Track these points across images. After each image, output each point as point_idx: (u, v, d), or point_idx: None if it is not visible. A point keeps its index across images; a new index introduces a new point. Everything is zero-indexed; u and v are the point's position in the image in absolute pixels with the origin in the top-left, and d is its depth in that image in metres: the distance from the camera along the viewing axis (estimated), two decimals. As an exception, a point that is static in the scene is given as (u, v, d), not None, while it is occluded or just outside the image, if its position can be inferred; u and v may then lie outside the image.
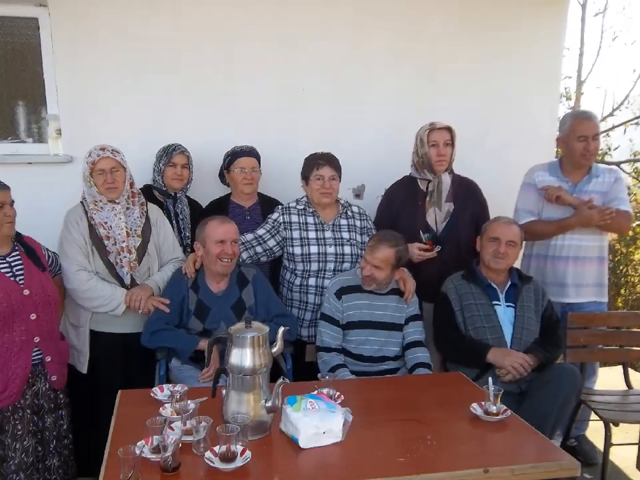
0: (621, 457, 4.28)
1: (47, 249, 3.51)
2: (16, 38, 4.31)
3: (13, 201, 3.14)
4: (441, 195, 4.11)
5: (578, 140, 4.10)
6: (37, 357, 3.18)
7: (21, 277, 3.14)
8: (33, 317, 3.12)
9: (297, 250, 3.99)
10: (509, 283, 3.82)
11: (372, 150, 4.89)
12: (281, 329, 2.64)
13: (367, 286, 3.68)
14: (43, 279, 3.23)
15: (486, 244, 3.80)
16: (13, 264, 3.15)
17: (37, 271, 3.22)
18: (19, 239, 3.27)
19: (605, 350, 4.32)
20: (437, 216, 4.12)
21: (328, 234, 4.04)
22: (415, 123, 4.24)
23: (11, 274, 3.11)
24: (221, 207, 4.26)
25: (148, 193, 4.08)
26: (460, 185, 4.22)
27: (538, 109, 5.26)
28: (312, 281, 4.00)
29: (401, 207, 4.17)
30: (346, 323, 3.71)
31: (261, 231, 4.03)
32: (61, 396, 3.35)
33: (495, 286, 3.80)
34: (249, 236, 4.01)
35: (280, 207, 4.15)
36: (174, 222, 4.10)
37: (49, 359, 3.23)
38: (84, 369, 3.65)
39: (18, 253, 3.22)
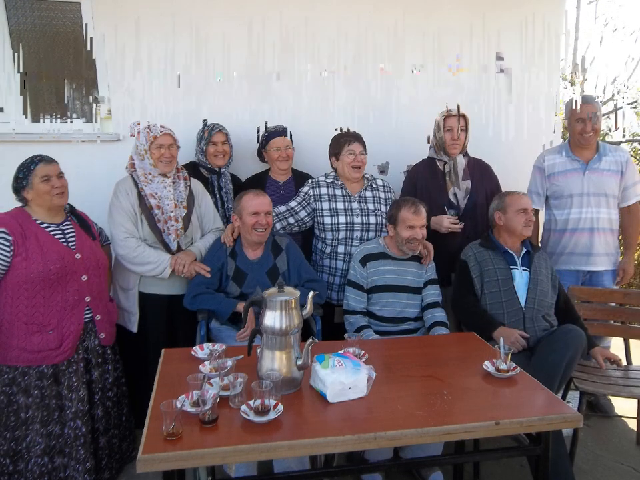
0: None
1: (96, 224, 3.53)
2: (59, 21, 4.25)
3: (62, 173, 3.14)
4: (457, 175, 4.14)
5: (576, 122, 4.08)
6: (88, 316, 3.20)
7: (73, 243, 3.15)
8: (84, 278, 3.14)
9: (327, 220, 3.95)
10: (524, 250, 3.78)
11: (395, 130, 4.82)
12: (311, 293, 2.61)
13: (416, 251, 3.67)
14: (93, 246, 3.26)
15: (514, 216, 3.71)
16: (65, 231, 3.16)
17: (87, 238, 3.25)
18: (73, 211, 3.28)
19: (605, 324, 4.15)
20: (457, 194, 4.14)
21: (355, 205, 3.99)
22: (433, 104, 4.27)
23: (63, 240, 3.12)
24: (259, 182, 4.25)
25: (194, 169, 4.08)
26: (475, 165, 4.25)
27: (539, 90, 5.12)
28: (340, 249, 3.96)
29: (424, 185, 4.18)
30: (370, 288, 3.68)
31: (292, 203, 4.00)
32: (109, 352, 3.36)
33: (512, 252, 3.75)
34: (282, 208, 3.99)
35: (310, 180, 4.11)
36: (218, 195, 4.10)
37: (99, 318, 3.25)
38: (134, 329, 3.67)
39: (70, 222, 3.23)
